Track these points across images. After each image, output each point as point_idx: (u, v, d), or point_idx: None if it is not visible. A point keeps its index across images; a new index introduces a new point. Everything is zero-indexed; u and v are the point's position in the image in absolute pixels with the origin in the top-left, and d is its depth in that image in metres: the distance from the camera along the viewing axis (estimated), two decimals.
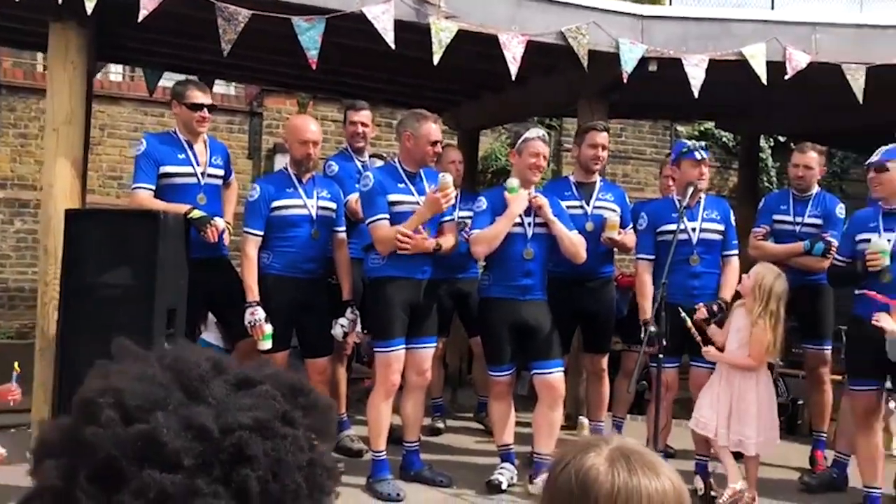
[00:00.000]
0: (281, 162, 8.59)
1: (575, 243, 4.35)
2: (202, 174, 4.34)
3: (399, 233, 4.09)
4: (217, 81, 7.46)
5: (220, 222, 4.19)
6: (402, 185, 4.27)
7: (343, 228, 4.54)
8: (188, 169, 4.30)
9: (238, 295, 4.33)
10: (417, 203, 4.23)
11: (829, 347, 5.04)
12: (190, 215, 4.09)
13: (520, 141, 4.38)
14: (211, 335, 5.43)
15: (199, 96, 4.34)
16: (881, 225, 4.14)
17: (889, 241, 4.07)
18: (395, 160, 4.46)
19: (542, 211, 4.29)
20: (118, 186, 8.37)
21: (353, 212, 4.62)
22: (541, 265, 4.37)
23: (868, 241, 4.13)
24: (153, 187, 4.21)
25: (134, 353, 0.82)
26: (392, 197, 4.22)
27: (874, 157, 4.20)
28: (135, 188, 4.24)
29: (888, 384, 4.35)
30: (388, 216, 4.18)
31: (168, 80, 7.12)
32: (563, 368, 4.42)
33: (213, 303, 4.54)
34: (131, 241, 3.72)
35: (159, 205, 4.11)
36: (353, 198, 4.63)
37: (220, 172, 4.49)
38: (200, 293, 4.23)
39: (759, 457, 4.23)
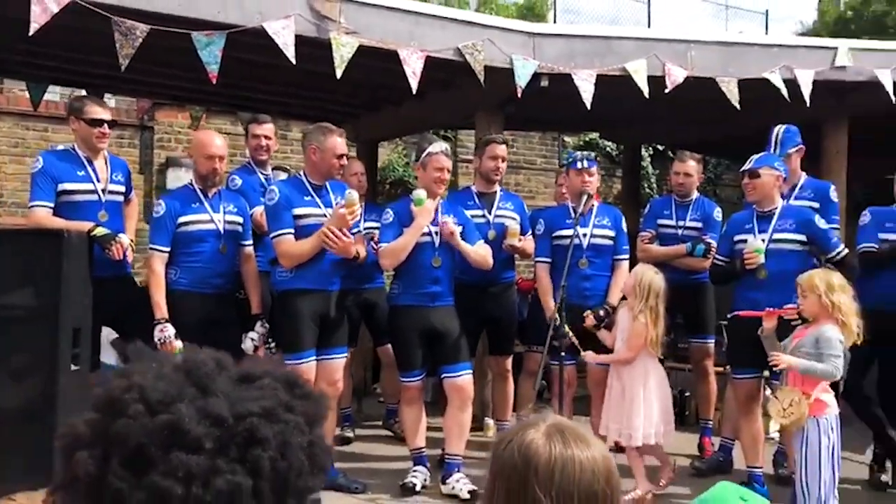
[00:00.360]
0: (173, 176, 8.43)
1: (482, 255, 4.54)
2: (103, 191, 4.26)
3: (328, 229, 4.12)
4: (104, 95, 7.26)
5: (124, 239, 4.13)
6: (308, 198, 4.33)
7: (250, 242, 4.55)
8: (89, 186, 4.22)
9: (143, 312, 4.27)
10: (324, 216, 4.29)
11: (713, 341, 5.44)
12: (93, 233, 4.01)
13: (423, 154, 4.52)
14: (108, 355, 5.30)
15: (98, 111, 4.26)
16: (756, 226, 4.52)
17: (763, 241, 4.45)
18: (301, 173, 4.51)
19: (452, 239, 4.43)
20: None
21: (258, 225, 4.65)
22: (448, 272, 4.53)
23: (744, 241, 4.49)
24: (51, 205, 4.11)
25: (149, 355, 0.91)
26: (298, 210, 4.27)
27: (748, 165, 4.56)
28: (32, 206, 4.12)
29: (766, 373, 4.76)
30: (292, 231, 4.23)
31: (51, 93, 6.90)
32: (471, 371, 4.59)
33: (117, 321, 4.45)
34: (33, 260, 3.62)
35: (59, 222, 4.01)
36: (258, 211, 4.65)
37: (122, 189, 4.42)
38: (103, 312, 4.15)
39: (662, 445, 4.50)
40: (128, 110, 8.43)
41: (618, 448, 4.61)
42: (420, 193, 4.40)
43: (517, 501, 1.18)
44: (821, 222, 4.52)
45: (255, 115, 5.38)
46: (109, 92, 7.08)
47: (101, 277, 4.07)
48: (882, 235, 4.77)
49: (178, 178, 8.42)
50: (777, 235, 4.45)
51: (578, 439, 1.22)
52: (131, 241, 4.35)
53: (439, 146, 4.55)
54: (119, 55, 4.16)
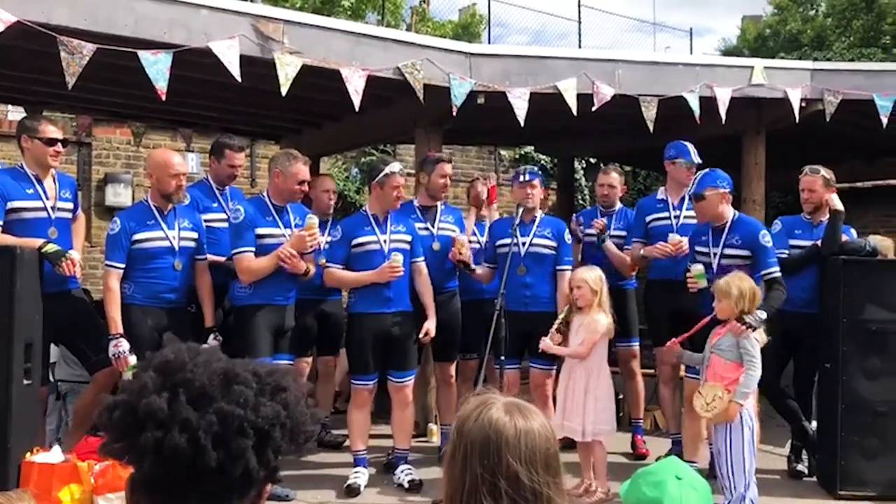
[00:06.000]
0: (112, 192, 8.40)
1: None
2: (52, 208, 4.33)
3: (287, 251, 4.41)
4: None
5: (74, 256, 4.20)
6: (269, 219, 4.56)
7: (205, 257, 4.67)
8: (38, 203, 4.28)
9: (91, 326, 4.34)
10: (284, 236, 4.53)
11: (637, 343, 5.74)
12: (44, 249, 4.07)
13: (381, 175, 4.72)
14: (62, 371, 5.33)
15: (53, 131, 4.34)
16: (710, 239, 4.72)
17: (716, 254, 4.67)
18: (265, 193, 4.72)
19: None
20: None
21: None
22: (402, 276, 4.70)
23: (702, 253, 4.73)
24: (0, 223, 4.14)
25: (174, 340, 1.18)
26: (260, 230, 4.50)
27: (691, 189, 4.81)
28: None
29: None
30: (253, 249, 4.46)
31: None
32: (414, 377, 4.88)
33: (64, 336, 4.49)
34: None
35: (9, 240, 4.06)
36: None
37: (70, 206, 4.49)
38: (50, 327, 4.19)
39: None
40: (64, 126, 8.38)
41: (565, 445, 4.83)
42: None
43: (493, 467, 1.42)
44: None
45: (230, 140, 5.34)
46: (47, 108, 7.04)
47: (48, 293, 4.13)
48: (792, 242, 5.14)
49: (117, 194, 8.41)
50: (727, 251, 4.64)
51: (530, 412, 1.49)
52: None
53: (396, 166, 4.79)
54: (66, 73, 4.19)
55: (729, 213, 4.72)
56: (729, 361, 4.12)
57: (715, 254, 4.68)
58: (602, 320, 4.56)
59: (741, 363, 4.10)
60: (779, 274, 4.60)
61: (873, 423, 4.73)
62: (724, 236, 4.67)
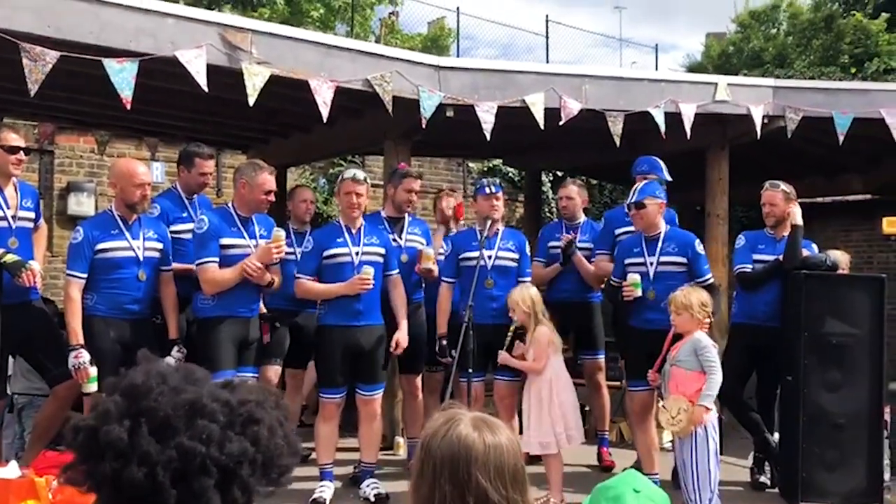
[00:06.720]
0: (75, 201, 8.26)
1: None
2: (13, 217, 4.25)
3: (252, 263, 4.36)
4: None
5: (35, 266, 4.12)
6: (234, 230, 4.51)
7: (170, 267, 4.60)
8: None
9: (51, 338, 4.25)
10: (249, 247, 4.48)
11: (603, 356, 5.79)
12: (3, 259, 3.99)
13: (338, 181, 4.76)
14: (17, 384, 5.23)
15: (15, 138, 4.26)
16: (645, 249, 4.87)
17: (652, 263, 4.79)
18: (230, 204, 4.66)
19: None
20: None
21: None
22: (373, 290, 4.67)
23: (635, 264, 4.84)
24: None
25: (149, 357, 1.13)
26: (225, 241, 4.44)
27: (633, 197, 4.92)
28: None
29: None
30: (217, 260, 4.40)
31: None
32: (382, 389, 4.86)
33: (24, 347, 4.40)
34: None
35: None
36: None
37: (31, 215, 4.41)
38: (9, 339, 4.11)
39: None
40: (26, 134, 8.23)
41: (530, 459, 4.82)
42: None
43: (462, 484, 1.40)
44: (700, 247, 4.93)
45: (201, 148, 5.22)
46: (8, 116, 6.92)
47: (8, 304, 4.05)
48: (756, 256, 5.22)
49: (80, 203, 8.27)
50: (663, 258, 4.80)
51: (497, 426, 1.48)
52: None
53: (349, 173, 4.79)
54: (28, 81, 4.12)
55: (662, 224, 4.89)
56: (690, 371, 4.18)
57: (651, 262, 4.80)
58: (542, 329, 4.60)
59: (702, 371, 4.16)
60: (712, 280, 4.84)
61: (833, 434, 4.81)
62: (659, 245, 4.81)
